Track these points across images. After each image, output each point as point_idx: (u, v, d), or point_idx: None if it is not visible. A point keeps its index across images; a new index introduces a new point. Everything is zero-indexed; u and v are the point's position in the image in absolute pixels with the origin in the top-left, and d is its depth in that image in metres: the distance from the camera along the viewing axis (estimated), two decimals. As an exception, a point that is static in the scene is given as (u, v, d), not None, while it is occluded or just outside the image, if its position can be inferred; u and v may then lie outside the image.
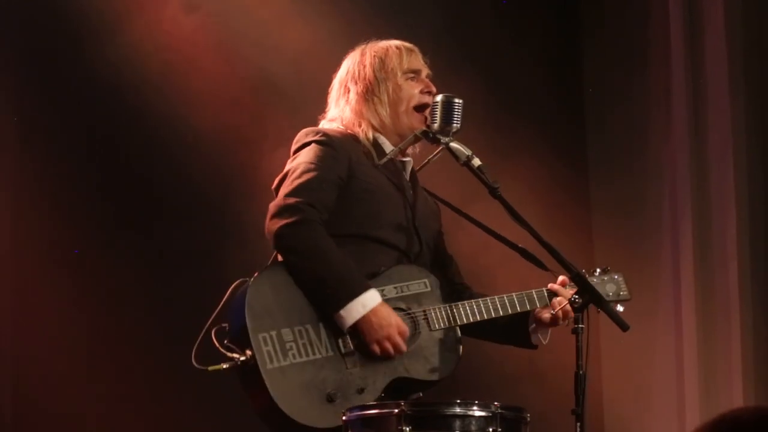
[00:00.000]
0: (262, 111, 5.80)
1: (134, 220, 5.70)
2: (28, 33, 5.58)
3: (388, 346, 3.91)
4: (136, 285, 5.63)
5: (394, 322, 3.92)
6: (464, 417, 3.58)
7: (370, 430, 3.61)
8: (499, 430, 3.58)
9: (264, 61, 5.82)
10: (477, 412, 3.59)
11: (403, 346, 3.94)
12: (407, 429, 3.54)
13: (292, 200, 3.93)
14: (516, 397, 3.97)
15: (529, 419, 3.70)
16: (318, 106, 4.30)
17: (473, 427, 3.58)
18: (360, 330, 3.89)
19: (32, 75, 5.60)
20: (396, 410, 3.56)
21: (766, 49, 5.99)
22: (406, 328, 3.95)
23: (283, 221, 3.90)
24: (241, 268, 4.13)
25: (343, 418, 3.66)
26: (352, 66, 4.21)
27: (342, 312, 3.87)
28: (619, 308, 4.20)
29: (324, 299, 3.90)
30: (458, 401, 3.60)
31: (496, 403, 3.61)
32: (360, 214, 4.03)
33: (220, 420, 5.63)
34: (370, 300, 3.89)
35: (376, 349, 3.91)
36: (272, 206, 3.96)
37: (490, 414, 3.59)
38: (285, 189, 3.98)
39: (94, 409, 5.49)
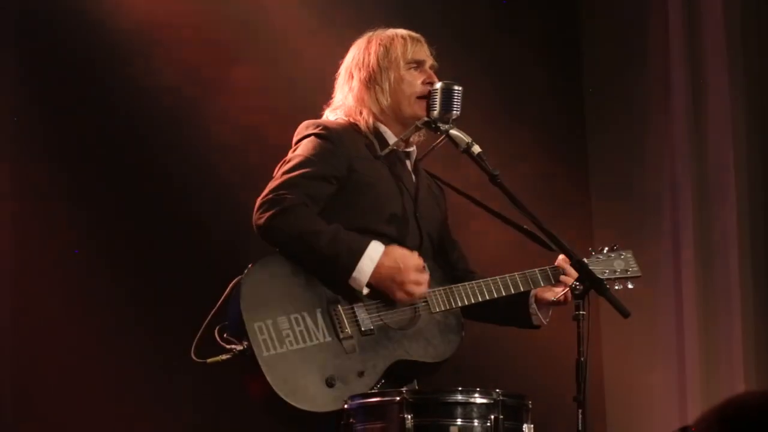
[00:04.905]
0: (262, 111, 5.79)
1: (134, 220, 5.69)
2: (27, 33, 5.58)
3: (412, 288, 3.91)
4: (135, 285, 5.62)
5: (401, 263, 3.90)
6: (466, 404, 3.59)
7: (372, 418, 3.62)
8: (501, 417, 3.59)
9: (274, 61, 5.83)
10: (479, 400, 3.60)
11: (425, 276, 3.93)
12: (409, 416, 3.55)
13: (275, 194, 3.93)
14: (518, 384, 3.95)
15: (530, 406, 3.70)
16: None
17: (475, 415, 3.59)
18: (378, 284, 3.89)
19: (32, 75, 5.60)
20: (398, 398, 3.57)
21: (764, 42, 6.00)
22: (419, 261, 3.94)
23: (268, 214, 3.90)
24: (243, 266, 4.12)
25: (345, 406, 3.66)
26: (357, 53, 4.22)
27: (354, 274, 3.88)
28: (630, 285, 4.21)
29: (333, 273, 3.89)
30: (460, 388, 3.61)
31: (497, 390, 3.62)
32: (361, 208, 4.02)
33: (221, 419, 5.62)
34: (374, 251, 3.89)
35: (403, 296, 3.92)
36: (258, 201, 3.97)
37: (492, 401, 3.60)
38: (273, 182, 3.98)
39: (94, 408, 5.48)
